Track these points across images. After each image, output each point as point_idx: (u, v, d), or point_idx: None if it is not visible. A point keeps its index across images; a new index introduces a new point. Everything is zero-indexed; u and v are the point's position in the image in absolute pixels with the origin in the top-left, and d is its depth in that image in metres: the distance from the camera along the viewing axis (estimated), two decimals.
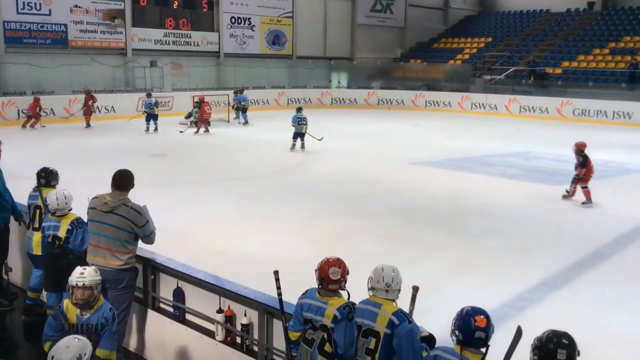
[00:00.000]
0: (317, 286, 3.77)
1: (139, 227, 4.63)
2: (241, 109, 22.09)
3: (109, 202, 4.63)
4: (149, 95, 20.30)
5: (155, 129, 19.17)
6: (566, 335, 2.88)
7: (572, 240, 8.78)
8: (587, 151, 10.96)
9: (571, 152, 11.24)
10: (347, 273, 3.74)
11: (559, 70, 28.52)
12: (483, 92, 28.36)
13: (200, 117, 19.13)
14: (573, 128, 22.22)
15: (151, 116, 19.16)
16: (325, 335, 3.58)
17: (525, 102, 26.12)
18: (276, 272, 3.90)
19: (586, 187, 10.68)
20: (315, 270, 3.79)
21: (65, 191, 5.40)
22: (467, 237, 8.82)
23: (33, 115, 19.25)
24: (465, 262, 7.72)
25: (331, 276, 3.65)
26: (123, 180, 4.74)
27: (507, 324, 5.06)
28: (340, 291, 3.72)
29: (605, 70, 27.15)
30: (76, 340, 3.03)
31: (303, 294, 3.81)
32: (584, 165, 10.64)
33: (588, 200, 10.63)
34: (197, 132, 19.08)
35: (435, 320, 4.15)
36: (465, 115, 26.49)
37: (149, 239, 4.75)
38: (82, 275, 3.88)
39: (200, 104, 19.40)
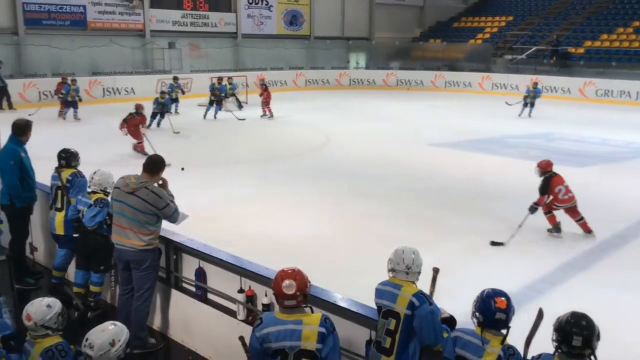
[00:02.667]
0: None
1: (159, 209, 4.68)
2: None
3: (132, 183, 4.69)
4: (175, 79, 20.12)
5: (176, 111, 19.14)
6: (585, 318, 2.86)
7: (595, 223, 8.66)
8: (602, 134, 10.32)
9: (594, 133, 10.96)
10: (307, 287, 3.25)
11: (581, 50, 28.00)
12: (504, 72, 27.99)
13: (266, 101, 18.93)
14: (595, 109, 21.90)
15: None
16: None
17: (547, 82, 25.68)
18: (241, 338, 3.40)
19: (549, 213, 8.09)
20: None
21: (99, 171, 5.62)
22: (488, 219, 8.76)
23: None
24: (486, 244, 7.69)
25: (285, 290, 3.18)
26: (152, 164, 4.81)
27: (528, 305, 5.06)
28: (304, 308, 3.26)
29: (629, 49, 26.59)
30: (112, 325, 3.09)
31: (256, 325, 3.22)
32: (544, 192, 7.90)
33: (553, 229, 8.08)
34: (265, 115, 18.91)
35: (456, 302, 4.16)
36: (486, 96, 26.18)
37: (172, 218, 4.79)
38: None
39: (266, 87, 19.23)
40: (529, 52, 28.59)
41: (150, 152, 10.76)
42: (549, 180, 7.91)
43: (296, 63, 29.73)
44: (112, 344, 2.98)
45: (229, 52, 27.70)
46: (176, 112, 19.07)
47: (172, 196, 4.82)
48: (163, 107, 16.45)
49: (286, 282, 3.18)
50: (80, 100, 17.90)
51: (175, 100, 19.22)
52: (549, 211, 8.04)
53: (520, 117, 19.15)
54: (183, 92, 20.07)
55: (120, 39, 23.88)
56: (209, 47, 26.78)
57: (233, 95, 20.68)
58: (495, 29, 32.91)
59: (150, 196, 4.64)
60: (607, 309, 5.60)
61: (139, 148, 12.64)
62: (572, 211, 7.97)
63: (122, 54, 23.93)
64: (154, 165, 4.81)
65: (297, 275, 3.23)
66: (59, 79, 19.22)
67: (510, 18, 33.37)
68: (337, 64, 30.99)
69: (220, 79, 19.46)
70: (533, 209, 7.83)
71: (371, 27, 33.26)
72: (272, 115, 18.94)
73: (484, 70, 28.62)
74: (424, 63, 30.94)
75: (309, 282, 3.29)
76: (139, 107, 13.06)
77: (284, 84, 27.92)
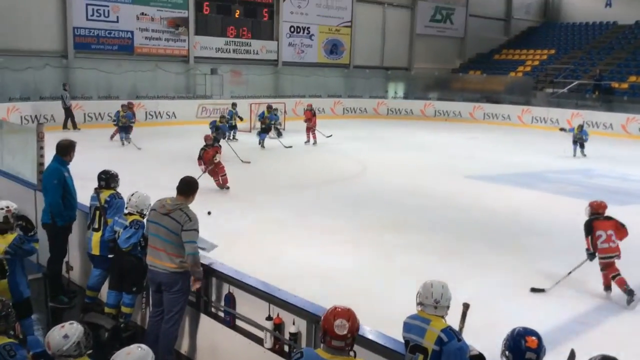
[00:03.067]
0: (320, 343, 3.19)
1: (184, 230, 4.70)
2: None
3: (167, 205, 4.80)
4: (234, 105, 20.31)
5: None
6: None
7: (634, 263, 8.42)
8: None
9: (636, 170, 10.60)
10: (358, 329, 3.15)
11: (625, 85, 27.50)
12: (545, 105, 27.64)
13: (313, 128, 19.20)
14: (638, 145, 21.39)
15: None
16: None
17: (588, 117, 25.22)
18: None
19: (617, 275, 6.95)
20: (319, 322, 3.27)
21: (136, 193, 5.75)
22: (523, 255, 8.60)
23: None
24: (520, 281, 7.52)
25: (337, 330, 3.04)
26: (185, 187, 4.90)
27: (561, 347, 4.91)
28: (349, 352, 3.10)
29: None
30: (139, 349, 3.10)
31: (294, 358, 3.10)
32: (588, 234, 7.12)
33: (630, 297, 6.81)
34: (307, 142, 19.17)
35: (487, 339, 4.07)
36: (526, 130, 25.87)
37: (190, 245, 4.72)
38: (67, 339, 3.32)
39: (314, 113, 19.53)
40: (570, 86, 28.23)
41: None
42: (591, 222, 7.12)
43: (335, 91, 29.99)
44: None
45: (269, 79, 28.13)
46: (234, 138, 19.09)
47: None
48: (218, 131, 15.79)
49: (339, 321, 3.05)
50: (132, 126, 17.84)
51: (234, 127, 19.28)
52: (616, 274, 6.95)
53: (560, 152, 18.75)
54: (241, 119, 20.16)
55: (165, 64, 24.53)
56: (250, 73, 27.27)
57: (272, 125, 20.75)
58: (537, 62, 32.64)
59: (183, 217, 4.72)
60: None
61: (222, 182, 11.88)
62: (610, 265, 7.03)
63: (165, 79, 24.54)
64: (188, 186, 4.90)
65: (351, 316, 3.12)
66: (105, 101, 19.95)
67: (553, 51, 33.07)
68: (376, 93, 31.14)
69: (270, 107, 19.29)
70: (590, 255, 7.09)
71: (411, 57, 33.39)
72: (315, 142, 19.09)
73: (524, 103, 28.32)
74: (462, 94, 30.82)
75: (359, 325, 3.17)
76: (207, 139, 12.14)
77: (322, 111, 28.09)
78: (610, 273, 6.97)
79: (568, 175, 15.22)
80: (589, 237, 7.06)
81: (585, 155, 18.10)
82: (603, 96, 27.15)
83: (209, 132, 14.61)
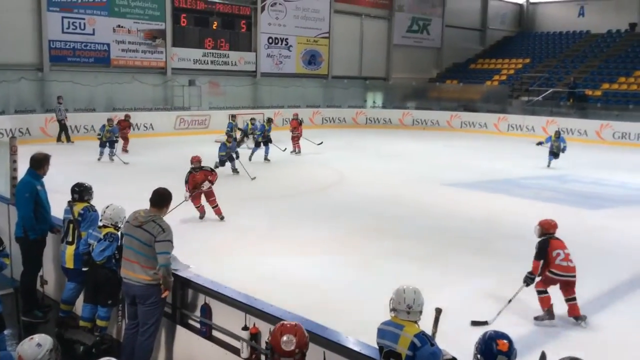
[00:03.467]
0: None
1: (157, 241, 4.68)
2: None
3: (140, 217, 4.77)
4: (233, 117, 19.97)
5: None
6: None
7: (610, 264, 8.56)
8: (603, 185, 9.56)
9: (610, 175, 10.82)
10: (307, 345, 3.09)
11: (598, 92, 28.02)
12: (520, 113, 28.03)
13: (298, 137, 19.37)
14: (612, 151, 21.78)
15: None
16: None
17: (563, 124, 25.64)
18: None
19: (544, 293, 6.52)
20: (267, 339, 3.19)
21: (111, 206, 5.69)
22: (501, 261, 8.68)
23: (124, 137, 18.41)
24: (498, 286, 7.58)
25: (284, 346, 2.99)
26: (158, 198, 4.89)
27: (539, 349, 4.96)
28: None
29: None
30: None
31: None
32: (540, 256, 6.51)
33: (545, 315, 6.47)
34: (293, 151, 19.21)
35: (464, 344, 4.10)
36: (502, 137, 26.20)
37: (163, 256, 4.70)
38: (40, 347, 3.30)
39: (300, 122, 19.79)
40: (545, 94, 28.67)
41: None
42: (547, 242, 6.52)
43: (313, 101, 30.09)
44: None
45: (248, 90, 28.13)
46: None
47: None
48: (230, 150, 14.83)
49: (286, 337, 3.02)
50: (117, 141, 17.06)
51: (238, 140, 18.52)
52: (543, 290, 6.49)
53: (535, 159, 18.96)
54: (241, 130, 20.00)
55: (142, 76, 24.40)
56: (228, 84, 27.23)
57: (252, 134, 20.63)
58: (512, 71, 33.12)
59: (156, 228, 4.70)
60: (621, 353, 5.48)
61: (215, 212, 10.37)
62: (568, 286, 6.45)
63: (143, 91, 24.40)
64: (160, 198, 4.89)
65: (297, 331, 3.10)
66: (82, 114, 19.77)
67: (527, 60, 33.59)
68: (354, 103, 31.30)
69: (270, 120, 18.95)
70: (529, 280, 6.45)
71: (388, 67, 33.67)
72: (300, 152, 19.19)
73: (500, 111, 28.69)
74: (440, 103, 31.15)
75: (308, 340, 3.12)
76: (194, 161, 10.35)
77: (301, 122, 28.18)
78: (569, 294, 6.45)
79: (543, 181, 15.42)
80: (541, 260, 6.43)
81: (549, 166, 17.47)
82: (577, 103, 27.65)
83: (192, 146, 14.58)
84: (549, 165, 17.58)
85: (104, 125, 16.89)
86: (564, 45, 34.36)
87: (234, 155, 15.06)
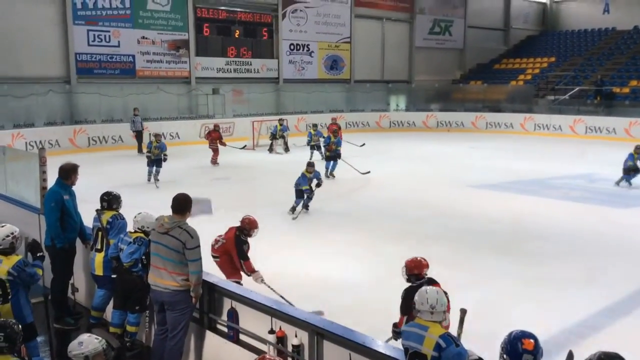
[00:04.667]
0: None
1: (187, 248, 4.76)
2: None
3: (166, 224, 4.84)
4: (281, 121, 21.03)
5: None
6: (618, 357, 2.79)
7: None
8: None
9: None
10: None
11: (626, 90, 27.52)
12: (547, 112, 27.68)
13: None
14: None
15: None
16: None
17: (591, 122, 25.32)
18: None
19: None
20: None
21: (141, 213, 5.79)
22: (528, 261, 8.60)
23: (215, 149, 18.12)
24: (525, 287, 7.52)
25: None
26: (179, 204, 4.94)
27: (567, 350, 4.90)
28: None
29: None
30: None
31: None
32: (406, 310, 4.85)
33: None
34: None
35: (490, 345, 4.07)
36: (528, 137, 25.89)
37: (195, 264, 4.80)
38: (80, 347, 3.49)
39: (339, 127, 20.20)
40: (572, 92, 28.26)
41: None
42: (413, 290, 4.14)
43: (336, 106, 30.10)
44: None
45: (271, 97, 28.29)
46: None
47: None
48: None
49: None
50: (166, 159, 15.26)
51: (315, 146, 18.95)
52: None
53: (563, 158, 18.68)
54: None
55: (167, 86, 24.73)
56: (251, 92, 27.43)
57: (282, 137, 21.10)
58: (537, 70, 32.73)
59: (183, 235, 4.76)
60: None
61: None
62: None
63: (168, 100, 24.71)
64: (180, 204, 4.95)
65: None
66: (108, 125, 20.19)
67: (553, 59, 33.16)
68: (377, 107, 31.22)
69: (315, 126, 19.95)
70: (396, 335, 5.06)
71: (411, 70, 33.54)
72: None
73: (526, 111, 28.35)
74: (464, 105, 30.88)
75: None
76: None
77: (324, 126, 28.20)
78: None
79: (571, 180, 15.20)
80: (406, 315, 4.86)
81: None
82: (605, 101, 27.16)
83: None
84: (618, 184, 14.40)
85: (150, 142, 15.48)
86: (590, 43, 33.84)
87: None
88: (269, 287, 6.52)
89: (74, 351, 3.34)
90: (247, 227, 6.85)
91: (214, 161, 18.00)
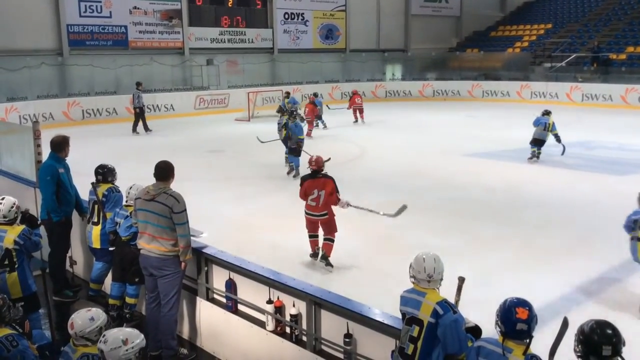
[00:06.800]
0: None
1: (174, 212, 4.80)
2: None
3: (151, 191, 4.90)
4: (287, 94, 19.77)
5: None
6: (610, 326, 2.82)
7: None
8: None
9: (636, 140, 10.53)
10: None
11: (623, 56, 27.31)
12: (543, 80, 27.53)
13: (361, 109, 20.61)
14: (638, 116, 21.31)
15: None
16: None
17: (587, 89, 25.20)
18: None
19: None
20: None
21: (135, 185, 5.75)
22: (525, 229, 8.65)
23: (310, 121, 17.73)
24: (522, 254, 7.58)
25: None
26: (161, 171, 4.98)
27: (562, 317, 4.95)
28: None
29: None
30: (130, 329, 3.25)
31: None
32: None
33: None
34: (355, 121, 20.44)
35: (487, 311, 4.11)
36: (525, 105, 25.72)
37: (183, 227, 4.85)
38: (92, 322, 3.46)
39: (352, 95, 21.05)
40: (568, 59, 28.06)
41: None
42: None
43: (332, 76, 29.89)
44: (125, 342, 3.11)
45: (266, 67, 28.05)
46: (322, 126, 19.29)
47: None
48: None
49: None
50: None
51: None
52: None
53: (559, 126, 18.57)
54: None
55: (160, 57, 24.47)
56: (246, 62, 27.19)
57: (292, 113, 20.28)
58: (534, 37, 32.44)
59: (169, 199, 4.81)
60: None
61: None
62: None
63: (161, 72, 24.48)
64: (163, 171, 4.98)
65: None
66: (102, 97, 19.94)
67: (549, 26, 32.85)
68: (373, 76, 31.01)
69: (288, 93, 19.73)
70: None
71: (407, 38, 33.23)
72: (364, 121, 20.41)
73: (523, 79, 28.19)
74: (460, 73, 30.69)
75: None
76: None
77: (320, 96, 28.03)
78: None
79: (568, 148, 15.13)
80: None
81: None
82: (601, 68, 27.00)
83: (212, 126, 14.89)
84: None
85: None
86: (587, 9, 33.48)
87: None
88: (357, 207, 7.38)
89: (88, 328, 3.33)
90: (320, 164, 7.40)
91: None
